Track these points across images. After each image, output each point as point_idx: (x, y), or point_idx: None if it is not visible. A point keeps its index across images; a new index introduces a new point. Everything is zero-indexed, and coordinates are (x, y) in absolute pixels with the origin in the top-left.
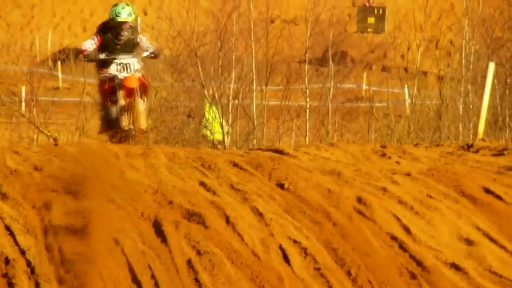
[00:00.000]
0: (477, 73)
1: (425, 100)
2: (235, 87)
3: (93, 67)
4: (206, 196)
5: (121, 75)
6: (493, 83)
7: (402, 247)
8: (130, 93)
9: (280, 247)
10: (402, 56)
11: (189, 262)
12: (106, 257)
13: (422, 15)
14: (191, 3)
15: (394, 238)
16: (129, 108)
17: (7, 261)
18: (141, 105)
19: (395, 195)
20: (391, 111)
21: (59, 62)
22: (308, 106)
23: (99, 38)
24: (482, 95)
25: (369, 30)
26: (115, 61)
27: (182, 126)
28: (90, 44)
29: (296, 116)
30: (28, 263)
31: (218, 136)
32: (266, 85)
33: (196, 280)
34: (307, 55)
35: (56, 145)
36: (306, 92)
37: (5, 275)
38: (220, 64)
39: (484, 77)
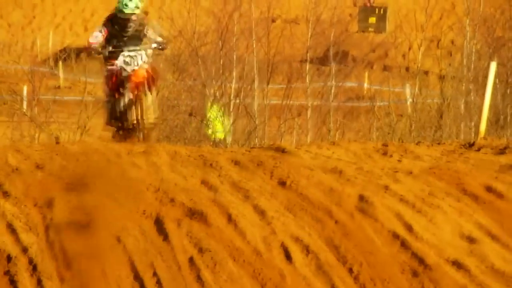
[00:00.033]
0: (478, 72)
1: (426, 99)
2: (237, 86)
3: (94, 65)
4: (207, 194)
5: (129, 68)
6: (494, 83)
7: (404, 244)
8: (137, 86)
9: (282, 245)
10: (403, 55)
11: (191, 259)
12: (108, 255)
13: (423, 15)
14: (192, 3)
15: (396, 236)
16: (137, 102)
17: (9, 258)
18: (149, 98)
19: (397, 193)
20: (393, 110)
21: (60, 62)
22: (309, 105)
23: (106, 30)
24: (483, 94)
25: (370, 29)
26: (123, 53)
27: (184, 125)
28: (97, 37)
29: (297, 115)
30: (30, 261)
31: (220, 135)
32: (268, 84)
33: (198, 277)
34: (308, 54)
35: (57, 143)
36: (307, 91)
37: (7, 273)
38: (221, 63)
39: (485, 77)
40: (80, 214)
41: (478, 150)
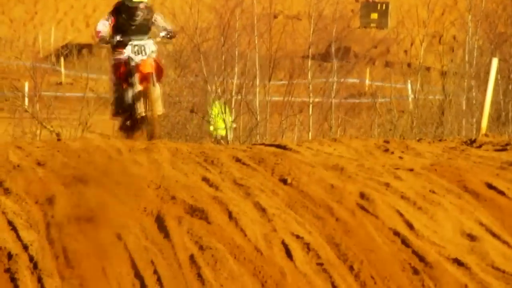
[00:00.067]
0: (480, 68)
1: (428, 96)
2: (238, 82)
3: (96, 61)
4: (208, 191)
5: (137, 58)
6: (496, 79)
7: (405, 242)
8: (145, 78)
9: (283, 242)
10: (405, 51)
11: (191, 257)
12: (109, 252)
13: (425, 11)
14: None
15: (396, 233)
16: (145, 94)
17: (9, 256)
18: (157, 91)
19: (398, 190)
20: (394, 106)
21: (62, 58)
22: (311, 102)
23: (113, 18)
24: (485, 90)
25: (372, 25)
26: (130, 43)
27: (185, 122)
28: (104, 25)
29: (299, 112)
30: (31, 258)
31: (221, 132)
32: (269, 81)
33: (199, 275)
34: (310, 50)
35: (59, 140)
36: (309, 87)
37: (7, 270)
38: (223, 59)
39: (487, 73)
40: (81, 212)
41: (480, 147)
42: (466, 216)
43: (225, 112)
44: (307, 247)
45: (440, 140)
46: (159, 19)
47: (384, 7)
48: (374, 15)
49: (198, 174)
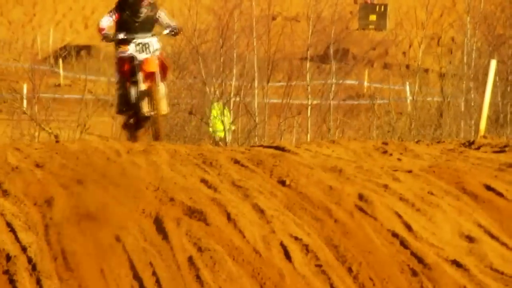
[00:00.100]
0: (478, 70)
1: (426, 97)
2: (237, 84)
3: (94, 63)
4: (207, 193)
5: (141, 56)
6: (494, 81)
7: (403, 244)
8: (149, 77)
9: (282, 244)
10: (404, 53)
11: (190, 259)
12: (107, 254)
13: (423, 13)
14: (192, 1)
15: (395, 235)
16: (149, 94)
17: (8, 258)
18: (162, 90)
19: (396, 192)
20: (393, 108)
21: (60, 59)
22: (309, 103)
23: (117, 15)
24: (483, 92)
25: (370, 27)
26: (134, 40)
27: (184, 123)
28: (108, 21)
29: (297, 113)
30: (30, 260)
31: (220, 134)
32: (268, 82)
33: (197, 277)
34: (308, 52)
35: (57, 142)
36: (307, 89)
37: (6, 272)
38: (221, 61)
39: (485, 75)
40: (80, 213)
41: (478, 148)
42: (465, 218)
43: (224, 114)
44: (306, 248)
45: (438, 142)
46: (163, 15)
47: (382, 9)
48: (373, 17)
49: (196, 176)
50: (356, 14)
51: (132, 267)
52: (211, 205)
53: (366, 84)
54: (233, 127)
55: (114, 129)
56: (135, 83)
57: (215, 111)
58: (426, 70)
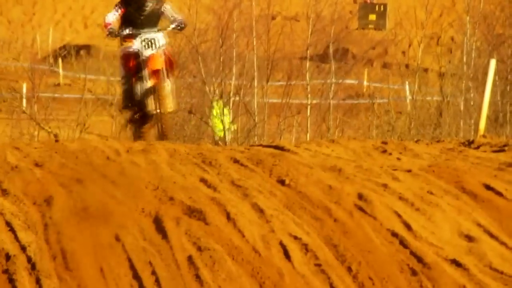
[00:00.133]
0: (478, 69)
1: (426, 97)
2: (236, 83)
3: (94, 63)
4: (206, 192)
5: (146, 52)
6: (494, 80)
7: (403, 243)
8: (155, 74)
9: (281, 244)
10: (403, 52)
11: (189, 258)
12: (106, 253)
13: (423, 12)
14: (192, 0)
15: (394, 234)
16: (155, 91)
17: (7, 257)
18: (167, 87)
19: (395, 191)
20: (392, 108)
21: (60, 59)
22: (309, 103)
23: (122, 9)
24: (483, 91)
25: (370, 27)
26: (140, 36)
27: (183, 123)
28: (114, 16)
29: (297, 113)
30: (29, 259)
31: (220, 133)
32: (267, 82)
33: (197, 276)
34: (308, 51)
35: (56, 141)
36: (307, 89)
37: (5, 271)
38: (221, 60)
39: (485, 74)
40: (79, 212)
41: (478, 148)
42: (464, 217)
43: (223, 114)
44: (305, 248)
45: (438, 141)
46: (168, 9)
47: (382, 9)
48: (372, 17)
49: (196, 175)
50: (355, 14)
51: (132, 267)
52: (210, 205)
53: (365, 83)
54: (233, 127)
55: (114, 128)
56: (141, 79)
57: (215, 110)
58: (426, 70)
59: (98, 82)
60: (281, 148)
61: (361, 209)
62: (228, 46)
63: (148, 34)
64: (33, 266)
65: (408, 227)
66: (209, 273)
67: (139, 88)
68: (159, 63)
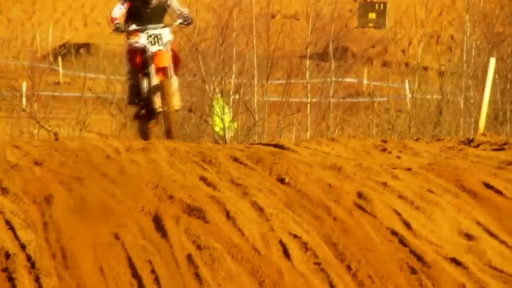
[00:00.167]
0: (478, 68)
1: (426, 95)
2: (236, 82)
3: (94, 61)
4: (206, 191)
5: (153, 48)
6: (493, 78)
7: (402, 242)
8: (161, 71)
9: (281, 242)
10: (403, 51)
11: (189, 257)
12: (106, 252)
13: (423, 10)
14: None
15: (394, 233)
16: (161, 88)
17: (7, 255)
18: (174, 84)
19: (395, 190)
20: (392, 106)
21: (60, 57)
22: (309, 101)
23: (128, 3)
24: (482, 90)
25: (370, 25)
26: (146, 32)
27: (183, 121)
28: (120, 10)
29: (297, 111)
30: (29, 258)
31: (219, 132)
32: (267, 80)
33: (196, 275)
34: (308, 50)
35: (56, 139)
36: (307, 87)
37: (5, 270)
38: (221, 59)
39: (485, 72)
40: (79, 211)
41: (477, 146)
42: (464, 216)
43: (223, 112)
44: (305, 246)
45: (437, 140)
46: (174, 2)
47: (382, 7)
48: (372, 15)
49: (195, 174)
50: (355, 12)
51: (131, 265)
52: (210, 203)
53: (365, 82)
54: (233, 125)
55: (114, 126)
56: (147, 75)
57: (216, 108)
58: (426, 68)
59: (98, 80)
60: (281, 147)
61: (360, 207)
62: (228, 44)
63: (155, 30)
64: (32, 265)
65: (407, 225)
66: (209, 272)
67: (145, 84)
68: (166, 60)
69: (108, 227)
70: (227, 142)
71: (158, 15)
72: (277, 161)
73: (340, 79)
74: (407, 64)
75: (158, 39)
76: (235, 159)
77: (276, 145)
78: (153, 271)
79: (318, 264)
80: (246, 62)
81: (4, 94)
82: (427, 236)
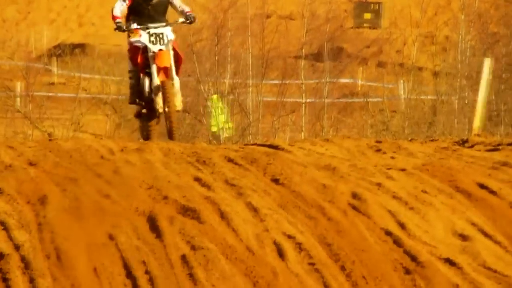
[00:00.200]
0: (472, 68)
1: (420, 96)
2: (231, 82)
3: (88, 61)
4: (201, 191)
5: (154, 47)
6: (488, 79)
7: (397, 242)
8: (163, 72)
9: (275, 242)
10: (398, 51)
11: (183, 257)
12: (100, 252)
13: (418, 11)
14: None
15: (388, 233)
16: (163, 89)
17: (1, 256)
18: (176, 85)
19: (390, 190)
20: (387, 106)
21: (54, 57)
22: (304, 102)
23: (129, 0)
24: (477, 90)
25: (365, 25)
26: (148, 30)
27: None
28: (121, 7)
29: (291, 112)
30: (23, 259)
31: (214, 129)
32: (262, 80)
33: (191, 275)
34: (303, 50)
35: (51, 140)
36: (302, 87)
37: None
38: (216, 59)
39: (479, 73)
40: (73, 212)
41: (472, 147)
42: (458, 216)
43: (218, 113)
44: (299, 247)
45: (432, 140)
46: None
47: (377, 7)
48: (367, 15)
49: (190, 174)
50: (350, 12)
51: (125, 266)
52: (204, 204)
53: (360, 82)
54: (227, 125)
55: (108, 127)
56: (149, 74)
57: (212, 105)
58: (420, 68)
59: (92, 81)
60: (275, 147)
61: (355, 208)
62: (223, 45)
63: (156, 28)
64: (26, 265)
65: (402, 226)
66: (203, 272)
67: (147, 84)
68: (167, 61)
69: (103, 227)
70: (222, 142)
71: (159, 11)
72: (272, 162)
73: (335, 80)
74: (402, 65)
75: (160, 39)
76: (230, 160)
77: (270, 146)
78: (147, 272)
79: (313, 264)
80: (241, 63)
81: None
82: (421, 237)
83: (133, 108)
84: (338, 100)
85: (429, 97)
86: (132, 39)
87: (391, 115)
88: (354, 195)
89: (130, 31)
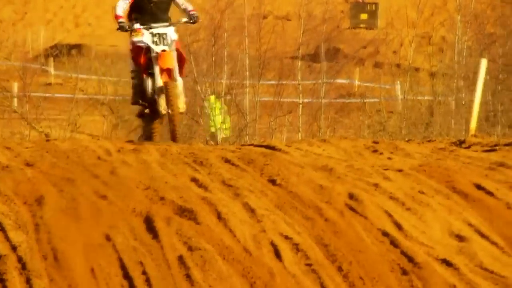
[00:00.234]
0: (469, 69)
1: (417, 96)
2: (228, 82)
3: (85, 62)
4: (197, 192)
5: (157, 48)
6: (485, 79)
7: (394, 243)
8: (166, 73)
9: (272, 243)
10: (395, 52)
11: (180, 258)
12: (97, 253)
13: (414, 11)
14: None
15: (385, 234)
16: (166, 90)
17: None
18: (179, 86)
19: (386, 191)
20: (383, 107)
21: (51, 58)
22: (300, 102)
23: None
24: (474, 91)
25: (361, 26)
26: (151, 31)
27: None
28: (123, 6)
29: (288, 112)
30: (20, 259)
31: (211, 129)
32: (259, 81)
33: (188, 276)
34: (299, 51)
35: (48, 141)
36: (298, 88)
37: None
38: (213, 60)
39: (476, 73)
40: (70, 212)
41: (468, 147)
42: (455, 217)
43: (215, 113)
44: (296, 247)
45: (429, 141)
46: None
47: (373, 8)
48: (364, 16)
49: (187, 175)
50: (347, 13)
51: (122, 266)
52: (201, 204)
53: (357, 83)
54: (224, 126)
55: (105, 127)
56: (151, 75)
57: (210, 105)
58: (417, 69)
59: (89, 81)
60: (272, 148)
61: (352, 208)
62: (220, 45)
63: (159, 29)
64: (23, 266)
65: (399, 226)
66: (200, 273)
67: (149, 85)
68: (170, 62)
69: (100, 228)
70: (218, 143)
71: (162, 9)
72: (269, 162)
73: (331, 80)
74: (398, 65)
75: (163, 39)
76: (227, 160)
77: (267, 146)
78: (144, 272)
79: (310, 265)
80: (238, 63)
81: None
82: (418, 237)
83: (131, 108)
84: (335, 101)
85: (426, 97)
86: (135, 39)
87: (388, 116)
88: (351, 196)
89: (132, 31)
